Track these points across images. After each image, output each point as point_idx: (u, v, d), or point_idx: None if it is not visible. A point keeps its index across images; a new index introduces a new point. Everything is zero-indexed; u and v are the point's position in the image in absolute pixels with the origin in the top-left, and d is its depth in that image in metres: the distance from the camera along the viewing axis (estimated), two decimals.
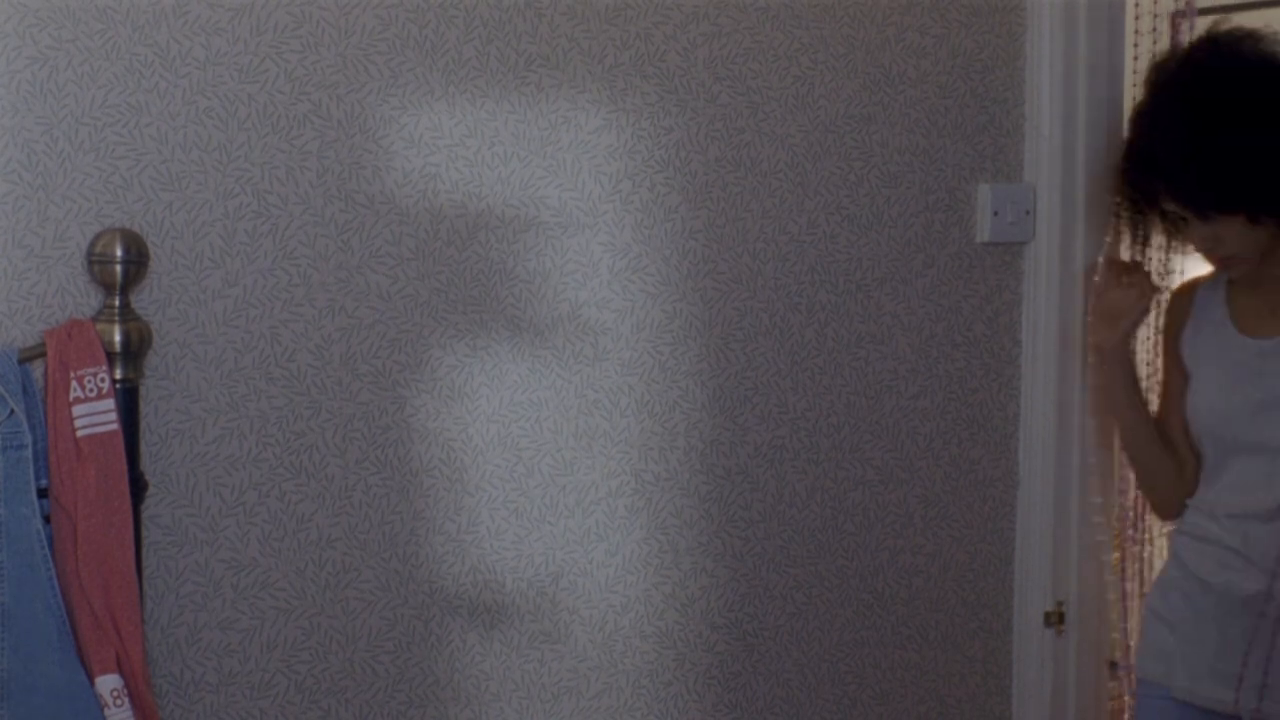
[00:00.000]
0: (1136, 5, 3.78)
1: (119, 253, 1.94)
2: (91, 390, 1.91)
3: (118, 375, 1.95)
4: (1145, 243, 2.46)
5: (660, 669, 2.38)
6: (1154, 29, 3.84)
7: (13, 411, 1.89)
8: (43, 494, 1.91)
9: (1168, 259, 2.56)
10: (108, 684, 1.91)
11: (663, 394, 2.34)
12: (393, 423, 2.17)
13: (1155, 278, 2.50)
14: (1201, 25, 3.79)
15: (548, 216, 2.24)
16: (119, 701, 1.91)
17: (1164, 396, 2.42)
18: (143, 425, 2.01)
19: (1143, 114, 2.29)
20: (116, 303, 1.95)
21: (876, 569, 2.53)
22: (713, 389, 2.38)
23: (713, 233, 2.36)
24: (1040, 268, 2.57)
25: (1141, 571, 4.00)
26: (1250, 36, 2.19)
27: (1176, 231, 2.32)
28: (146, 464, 2.02)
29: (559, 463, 2.28)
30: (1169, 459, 2.37)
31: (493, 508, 2.24)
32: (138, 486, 1.97)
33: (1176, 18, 3.85)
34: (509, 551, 2.25)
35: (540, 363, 2.25)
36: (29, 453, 1.89)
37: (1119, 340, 2.39)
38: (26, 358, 1.92)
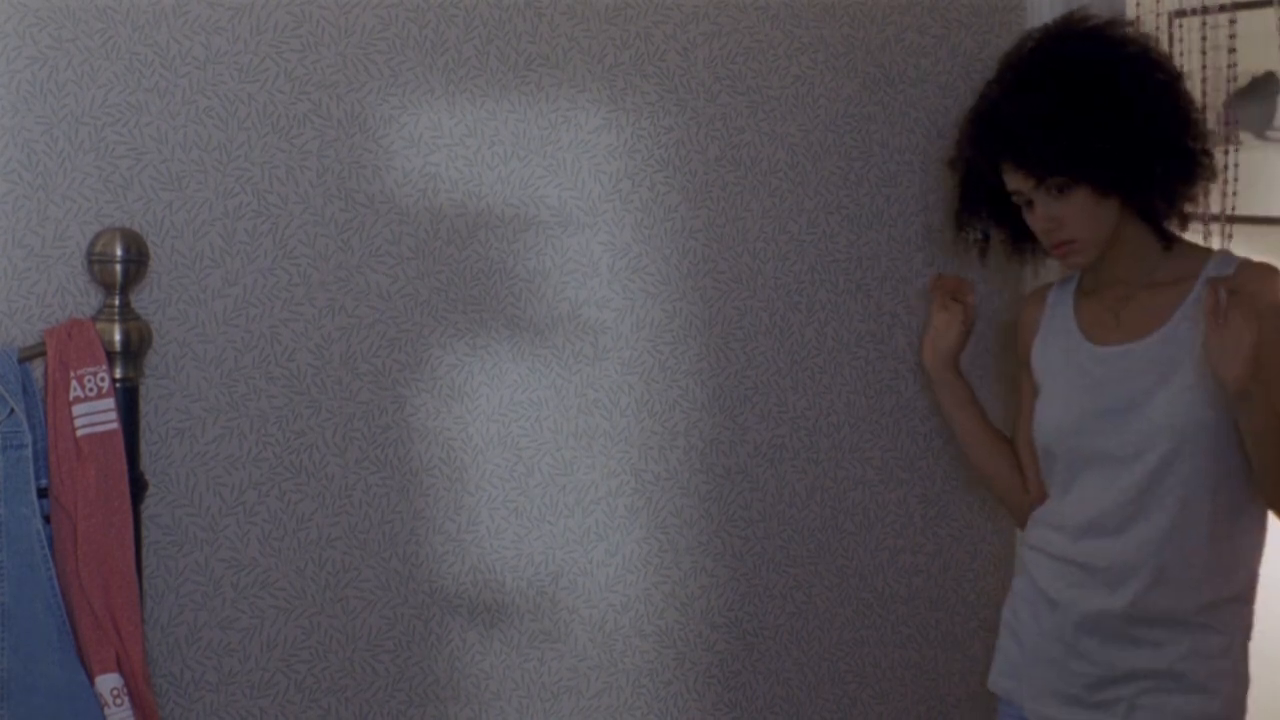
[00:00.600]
0: (1137, 5, 3.78)
1: (119, 252, 1.94)
2: (91, 390, 1.91)
3: (118, 375, 1.95)
4: (984, 239, 2.34)
5: (660, 669, 2.38)
6: (1154, 29, 3.85)
7: (13, 411, 1.89)
8: (43, 494, 1.91)
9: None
10: (108, 683, 1.91)
11: (663, 394, 2.34)
12: (392, 422, 2.17)
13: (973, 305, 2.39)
14: (1200, 25, 3.79)
15: (547, 216, 2.24)
16: (119, 701, 1.91)
17: (1020, 409, 2.33)
18: (143, 425, 2.01)
19: (998, 78, 2.17)
20: (116, 302, 1.95)
21: (876, 569, 2.53)
22: (713, 389, 2.38)
23: (713, 233, 2.36)
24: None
25: None
26: (1113, 23, 2.15)
27: (1000, 226, 2.25)
28: (146, 464, 2.02)
29: (559, 462, 2.28)
30: (1014, 474, 2.32)
31: (493, 507, 2.24)
32: (138, 486, 1.97)
33: (1175, 19, 3.86)
34: (509, 551, 2.26)
35: (540, 362, 2.25)
36: (29, 452, 1.89)
37: (940, 364, 2.35)
38: (26, 357, 1.92)
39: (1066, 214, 2.07)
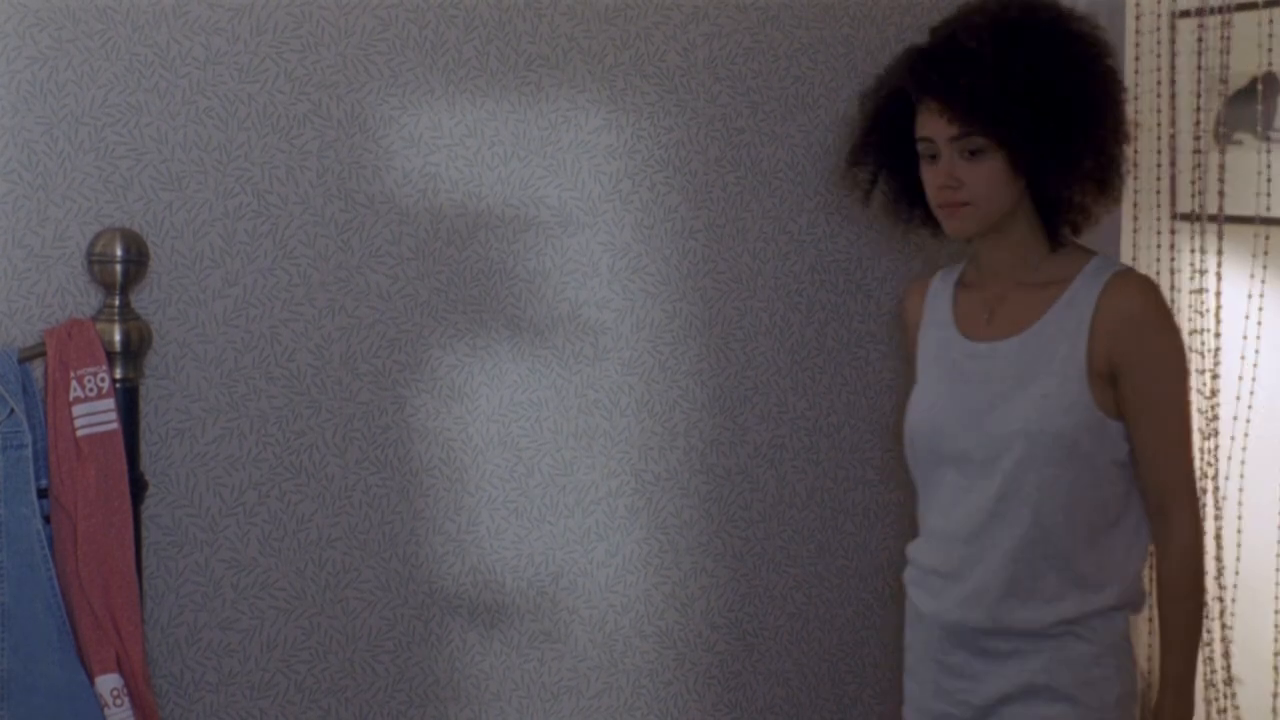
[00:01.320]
0: (1137, 5, 3.78)
1: (119, 252, 1.94)
2: (91, 390, 1.91)
3: (118, 375, 1.95)
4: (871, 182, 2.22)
5: (660, 669, 2.38)
6: (1154, 29, 3.85)
7: (13, 411, 1.89)
8: (43, 494, 1.91)
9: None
10: (108, 683, 1.91)
11: (663, 394, 2.34)
12: (393, 422, 2.17)
13: None
14: (1200, 27, 3.79)
15: (547, 216, 2.24)
16: (119, 701, 1.91)
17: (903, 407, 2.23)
18: (143, 425, 2.01)
19: (958, 20, 2.07)
20: (116, 302, 1.95)
21: (876, 569, 2.53)
22: (713, 389, 2.38)
23: (713, 233, 2.36)
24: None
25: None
26: (1086, 20, 2.07)
27: (892, 174, 2.15)
28: (146, 464, 2.02)
29: (559, 462, 2.28)
30: None
31: (493, 507, 2.24)
32: (138, 486, 1.97)
33: (1176, 18, 3.85)
34: (509, 551, 2.25)
35: (540, 362, 2.25)
36: (29, 452, 1.89)
37: None
38: (26, 357, 1.92)
39: (971, 177, 2.00)
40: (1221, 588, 3.76)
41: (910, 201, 2.16)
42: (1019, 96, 1.96)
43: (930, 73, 2.02)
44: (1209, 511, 3.63)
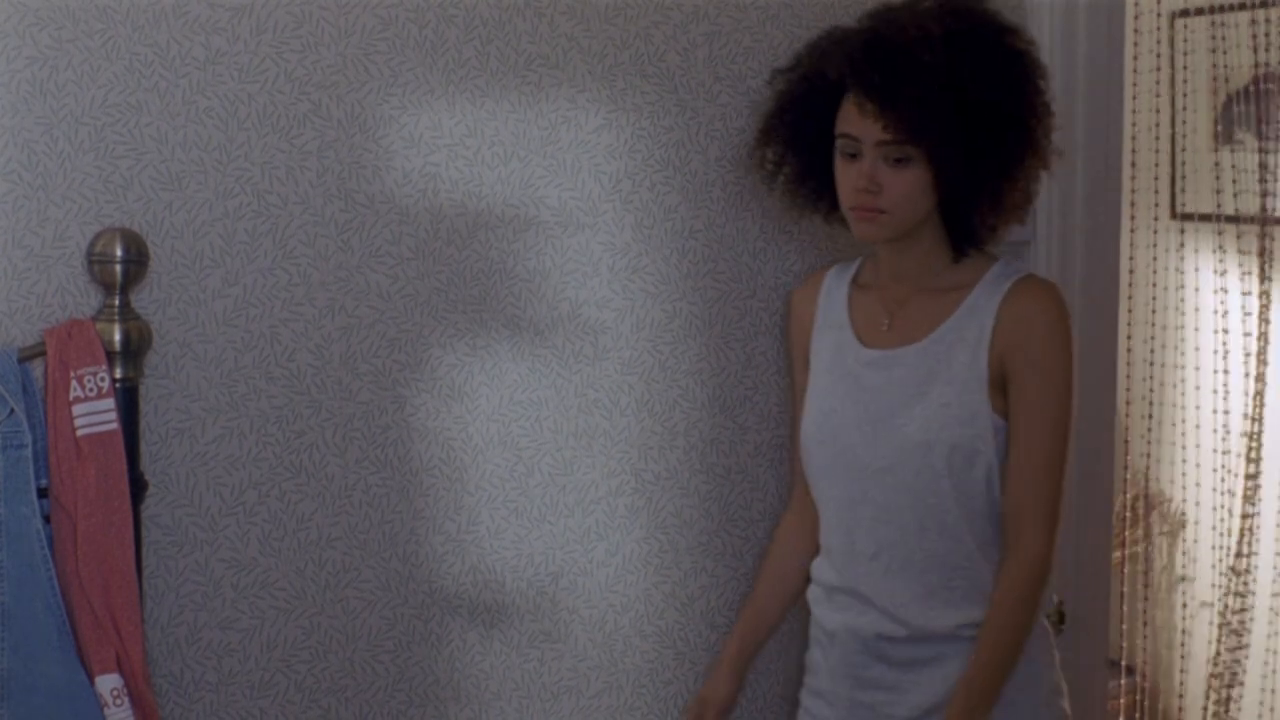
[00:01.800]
0: (1137, 5, 3.78)
1: (119, 252, 1.94)
2: (91, 389, 1.91)
3: (117, 375, 1.95)
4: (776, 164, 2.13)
5: (660, 669, 2.38)
6: (1154, 28, 3.85)
7: (13, 411, 1.89)
8: (43, 493, 1.91)
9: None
10: (108, 683, 1.91)
11: (663, 393, 2.34)
12: (392, 422, 2.17)
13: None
14: (1201, 26, 3.79)
15: (547, 216, 2.24)
16: (119, 701, 1.91)
17: (800, 411, 2.15)
18: (143, 425, 2.01)
19: (908, 14, 1.95)
20: (116, 302, 1.95)
21: None
22: (713, 389, 2.38)
23: (713, 233, 2.36)
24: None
25: (1146, 572, 4.02)
26: (1033, 43, 2.01)
27: (797, 158, 2.06)
28: (146, 464, 2.02)
29: (559, 462, 2.28)
30: (809, 541, 2.16)
31: (492, 507, 2.24)
32: (138, 486, 1.97)
33: (1176, 17, 3.85)
34: (509, 551, 2.25)
35: (540, 362, 2.25)
36: (29, 452, 1.89)
37: None
38: (26, 357, 1.92)
39: (892, 185, 1.93)
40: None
41: (816, 192, 2.08)
42: (962, 115, 1.90)
43: (873, 72, 1.92)
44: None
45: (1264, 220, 3.68)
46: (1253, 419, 3.73)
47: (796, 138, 2.07)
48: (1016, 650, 1.96)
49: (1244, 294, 3.77)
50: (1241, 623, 3.74)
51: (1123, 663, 4.00)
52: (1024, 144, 1.97)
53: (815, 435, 2.06)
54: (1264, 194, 3.67)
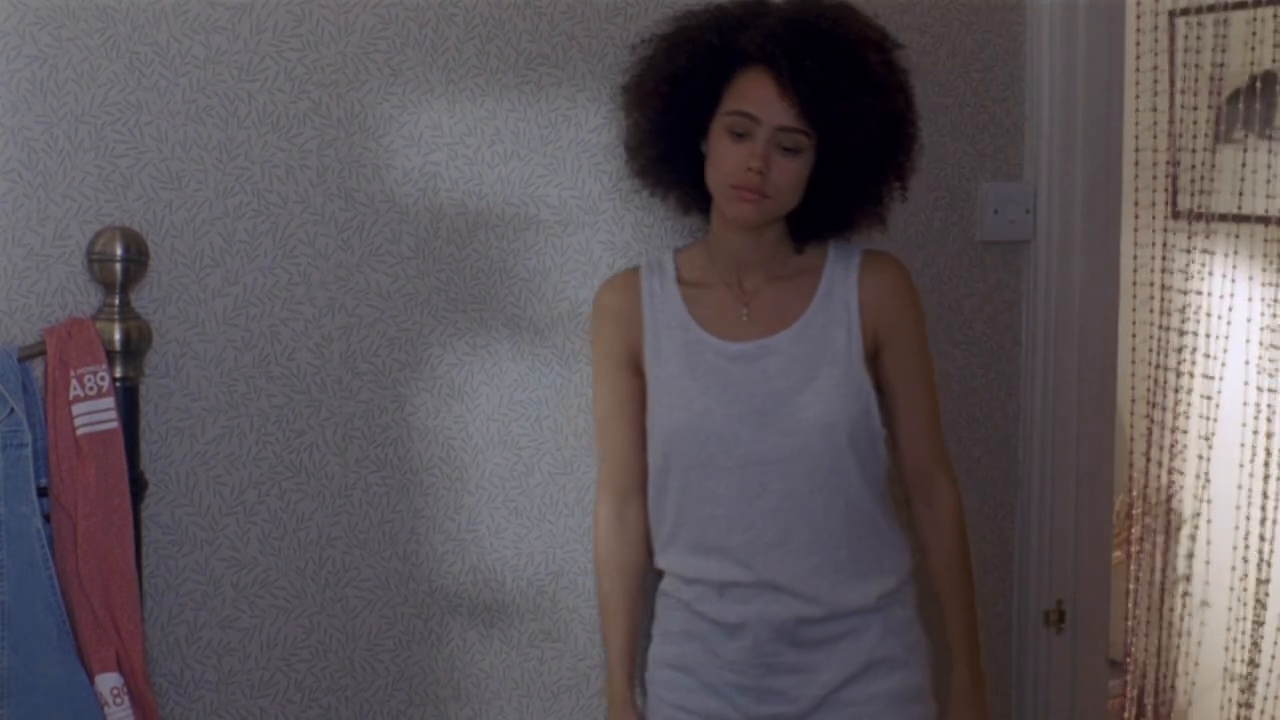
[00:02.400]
0: (1138, 5, 3.78)
1: (119, 251, 1.94)
2: (91, 389, 1.91)
3: (117, 374, 1.95)
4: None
5: None
6: (1154, 28, 3.85)
7: (13, 410, 1.89)
8: (43, 493, 1.91)
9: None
10: (108, 682, 1.91)
11: None
12: (392, 421, 2.17)
13: None
14: (1201, 25, 3.79)
15: (548, 215, 2.24)
16: (119, 700, 1.91)
17: (615, 414, 2.13)
18: (143, 424, 2.01)
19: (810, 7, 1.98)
20: (116, 301, 1.95)
21: None
22: None
23: None
24: (1040, 267, 2.57)
25: (1151, 570, 4.02)
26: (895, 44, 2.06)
27: (662, 115, 2.02)
28: (146, 463, 2.02)
29: (559, 461, 2.28)
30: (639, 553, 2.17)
31: (493, 506, 2.24)
32: (138, 485, 1.97)
33: (1176, 17, 3.85)
34: (509, 550, 2.25)
35: (540, 361, 2.25)
36: (29, 451, 1.89)
37: None
38: (26, 356, 1.92)
39: (781, 170, 1.93)
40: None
41: (675, 172, 2.06)
42: (864, 117, 1.94)
43: (795, 52, 1.90)
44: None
45: (1264, 220, 3.68)
46: (1258, 420, 3.73)
47: (673, 109, 2.02)
48: (972, 587, 2.15)
49: (1245, 295, 3.77)
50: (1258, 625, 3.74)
51: (1128, 661, 4.00)
52: (904, 159, 2.05)
53: (691, 438, 2.02)
54: (1252, 193, 3.67)
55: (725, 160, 1.96)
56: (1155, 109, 3.86)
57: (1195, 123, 3.84)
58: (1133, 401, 3.96)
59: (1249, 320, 3.74)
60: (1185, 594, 3.95)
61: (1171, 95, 3.86)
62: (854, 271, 2.04)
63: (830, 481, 2.00)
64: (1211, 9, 3.71)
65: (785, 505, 2.01)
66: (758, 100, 1.93)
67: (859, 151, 1.97)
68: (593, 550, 2.23)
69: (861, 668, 2.03)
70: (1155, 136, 3.89)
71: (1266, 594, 3.69)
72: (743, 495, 2.02)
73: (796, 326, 2.03)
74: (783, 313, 2.04)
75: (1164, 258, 3.92)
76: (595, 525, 2.21)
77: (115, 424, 1.92)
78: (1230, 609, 3.79)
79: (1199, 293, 3.88)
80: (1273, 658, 3.68)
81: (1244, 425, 3.74)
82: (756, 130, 1.93)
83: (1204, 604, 3.90)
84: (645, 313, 2.09)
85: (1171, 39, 3.83)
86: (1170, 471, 3.96)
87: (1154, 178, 3.90)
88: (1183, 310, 3.91)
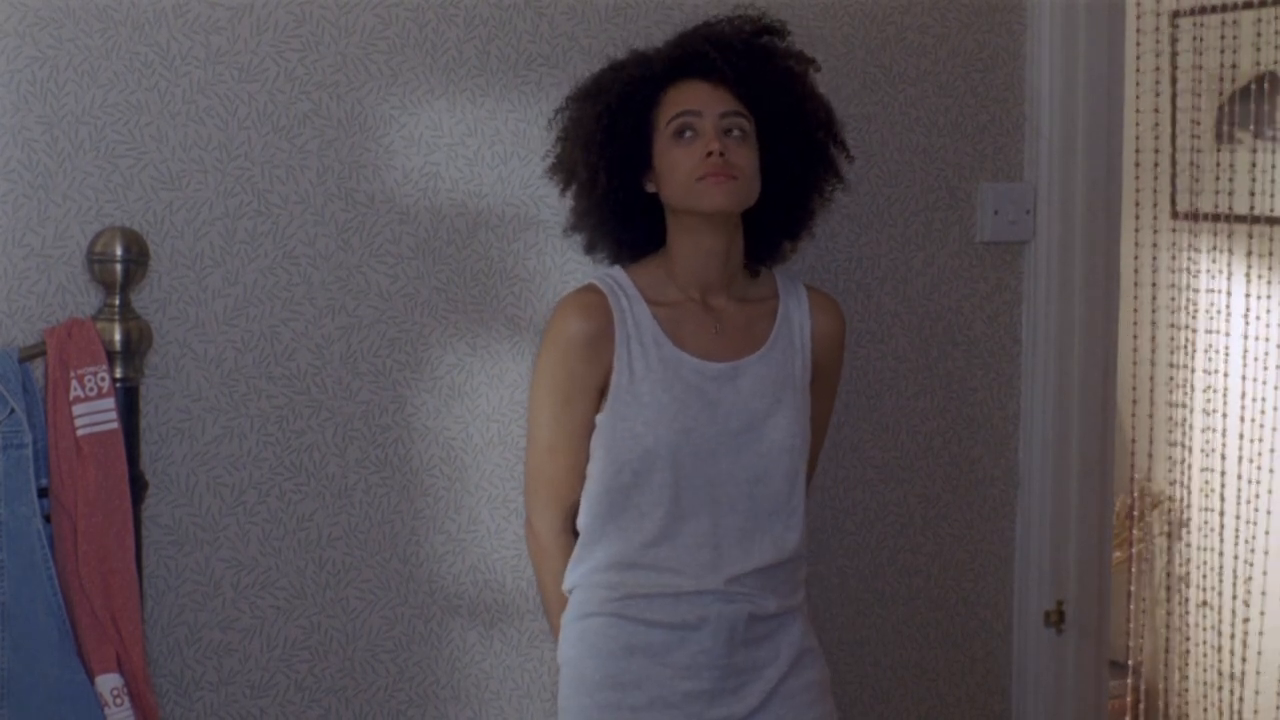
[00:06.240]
0: (1138, 5, 3.78)
1: (119, 252, 1.94)
2: (92, 389, 1.91)
3: (118, 374, 1.95)
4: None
5: None
6: (1154, 28, 3.85)
7: (13, 410, 1.89)
8: (43, 493, 1.91)
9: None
10: (108, 683, 1.91)
11: None
12: (393, 422, 2.17)
13: None
14: (1202, 25, 3.79)
15: (548, 215, 2.24)
16: (119, 700, 1.91)
17: (567, 435, 2.07)
18: (143, 424, 2.01)
19: (733, 22, 2.10)
20: (116, 301, 1.95)
21: (876, 569, 2.53)
22: None
23: None
24: (1040, 267, 2.57)
25: (1151, 571, 4.02)
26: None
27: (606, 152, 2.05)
28: (146, 463, 2.02)
29: None
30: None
31: (493, 506, 2.24)
32: (138, 486, 1.97)
33: (1176, 17, 3.85)
34: (509, 550, 2.25)
35: None
36: (29, 452, 1.89)
37: None
38: (27, 356, 1.92)
39: (734, 152, 1.98)
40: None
41: (628, 214, 2.08)
42: (795, 83, 2.08)
43: (707, 53, 2.02)
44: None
45: (1265, 220, 3.68)
46: (1259, 420, 3.73)
47: (613, 140, 2.05)
48: None
49: (1245, 294, 3.77)
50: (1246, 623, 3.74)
51: (1129, 663, 4.00)
52: (835, 163, 2.15)
53: (671, 456, 2.01)
54: (1254, 193, 3.67)
55: (682, 161, 2.01)
56: (1156, 109, 3.86)
57: (1196, 123, 3.84)
58: (1134, 402, 3.96)
59: (1250, 320, 3.74)
60: (1185, 594, 3.96)
61: (1172, 96, 3.86)
62: (804, 303, 2.14)
63: (789, 503, 2.07)
64: (1212, 9, 3.72)
65: (748, 526, 2.05)
66: (694, 98, 2.02)
67: (797, 124, 2.07)
68: (529, 554, 2.20)
69: (794, 660, 2.08)
70: (1156, 137, 3.89)
71: (1265, 594, 3.69)
72: (711, 516, 2.03)
73: (765, 349, 2.09)
74: (752, 334, 2.09)
75: (1172, 256, 3.92)
76: (534, 536, 2.15)
77: (115, 424, 1.92)
78: (1230, 609, 3.79)
79: (1199, 290, 3.88)
80: (1262, 655, 3.68)
81: (1245, 425, 3.75)
82: (701, 124, 2.01)
83: (1204, 604, 3.90)
84: (617, 332, 2.05)
85: (1172, 40, 3.83)
86: (1171, 471, 3.96)
87: (1155, 178, 3.90)
88: (1184, 310, 3.91)
